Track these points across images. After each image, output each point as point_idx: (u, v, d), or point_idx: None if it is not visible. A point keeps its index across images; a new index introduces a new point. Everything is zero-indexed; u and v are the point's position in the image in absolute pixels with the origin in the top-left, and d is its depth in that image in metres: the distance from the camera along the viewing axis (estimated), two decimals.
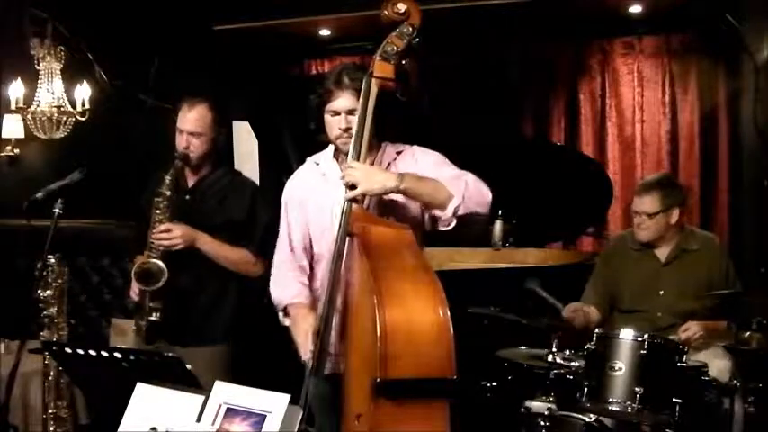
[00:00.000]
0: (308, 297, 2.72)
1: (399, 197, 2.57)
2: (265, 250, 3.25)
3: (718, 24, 5.15)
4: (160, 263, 3.21)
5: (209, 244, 3.30)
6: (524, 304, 3.67)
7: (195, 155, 3.32)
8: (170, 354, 2.33)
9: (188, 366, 2.19)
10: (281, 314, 2.80)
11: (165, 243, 3.22)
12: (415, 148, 2.72)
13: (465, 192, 2.49)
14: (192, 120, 3.30)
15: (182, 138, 3.31)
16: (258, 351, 3.85)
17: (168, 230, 3.23)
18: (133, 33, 5.46)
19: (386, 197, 2.56)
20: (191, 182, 3.41)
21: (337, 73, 2.63)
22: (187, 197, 3.38)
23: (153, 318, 3.25)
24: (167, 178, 3.25)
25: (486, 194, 2.55)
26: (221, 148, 3.45)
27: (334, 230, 2.52)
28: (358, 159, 2.50)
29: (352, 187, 2.45)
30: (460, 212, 2.48)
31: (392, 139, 2.72)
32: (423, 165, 2.65)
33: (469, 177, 2.55)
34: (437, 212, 2.51)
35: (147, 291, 3.23)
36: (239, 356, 3.40)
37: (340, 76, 2.60)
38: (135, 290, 3.29)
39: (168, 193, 3.25)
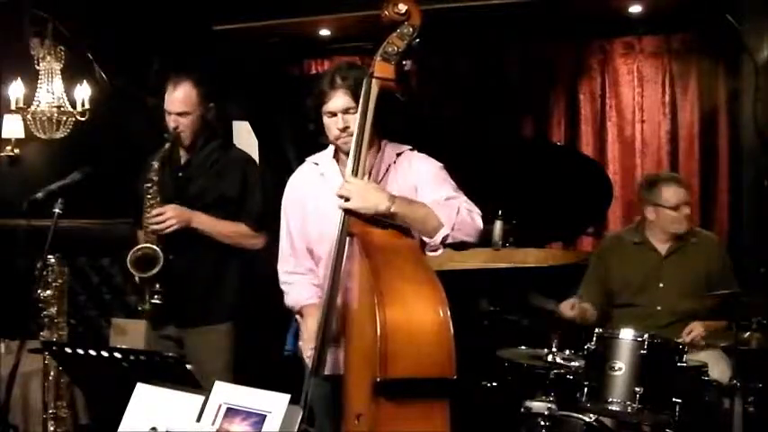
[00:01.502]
0: (319, 296, 2.72)
1: (405, 192, 2.58)
2: (263, 222, 3.28)
3: (718, 24, 5.14)
4: (155, 247, 3.23)
5: (204, 222, 3.31)
6: (524, 304, 3.68)
7: (186, 134, 3.34)
8: (170, 354, 2.34)
9: (188, 366, 2.19)
10: (298, 317, 2.80)
11: (160, 226, 3.24)
12: (414, 153, 2.71)
13: (455, 221, 2.48)
14: (177, 100, 3.30)
15: (170, 119, 3.32)
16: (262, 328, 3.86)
17: (161, 213, 3.25)
18: (133, 33, 5.46)
19: (392, 191, 2.57)
20: (183, 158, 3.42)
21: (330, 74, 2.64)
22: (180, 174, 3.39)
23: (155, 301, 3.27)
24: (155, 164, 3.27)
25: (477, 223, 2.54)
26: (212, 122, 3.43)
27: (333, 231, 2.52)
28: (358, 160, 2.49)
29: (346, 200, 2.45)
30: (448, 241, 2.50)
31: (392, 139, 2.72)
32: (418, 172, 2.64)
33: (462, 203, 2.54)
34: (425, 238, 2.52)
35: (144, 277, 3.24)
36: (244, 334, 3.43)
37: (332, 77, 2.61)
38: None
39: (156, 178, 3.28)
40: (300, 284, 2.78)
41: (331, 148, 2.74)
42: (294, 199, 2.80)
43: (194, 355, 3.33)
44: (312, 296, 2.74)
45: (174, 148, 3.36)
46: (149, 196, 3.28)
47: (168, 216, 3.24)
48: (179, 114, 3.31)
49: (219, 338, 3.36)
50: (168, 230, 3.25)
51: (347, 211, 2.45)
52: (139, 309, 3.37)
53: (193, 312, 3.36)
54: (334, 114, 2.61)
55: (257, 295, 3.44)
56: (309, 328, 2.62)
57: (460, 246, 2.56)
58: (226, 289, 3.40)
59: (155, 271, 3.22)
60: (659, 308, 3.65)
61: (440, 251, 2.54)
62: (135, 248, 3.28)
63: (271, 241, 3.10)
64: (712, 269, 3.70)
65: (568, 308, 3.62)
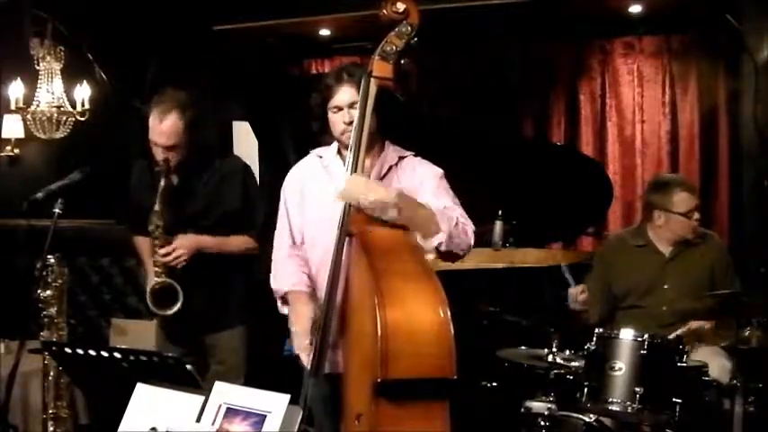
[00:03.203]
0: (308, 286, 2.73)
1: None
2: (266, 231, 3.24)
3: (719, 24, 5.14)
4: (172, 282, 3.24)
5: (211, 245, 3.32)
6: (525, 303, 3.67)
7: (175, 162, 3.27)
8: (170, 354, 2.33)
9: (188, 367, 2.19)
10: (279, 302, 2.80)
11: (173, 264, 3.25)
12: (418, 158, 2.72)
13: (452, 231, 2.50)
14: (164, 133, 3.21)
15: (157, 150, 3.25)
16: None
17: (170, 252, 3.24)
18: (133, 33, 5.46)
19: None
20: (175, 180, 3.36)
21: (336, 70, 2.68)
22: (176, 196, 3.34)
23: (172, 311, 3.28)
24: (156, 208, 3.22)
25: (469, 239, 2.57)
26: (201, 144, 3.37)
27: (331, 223, 2.52)
28: (357, 157, 2.49)
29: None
30: (442, 249, 2.51)
31: (394, 142, 2.73)
32: (421, 176, 2.67)
33: (459, 215, 2.57)
34: (420, 240, 2.52)
35: (166, 315, 3.25)
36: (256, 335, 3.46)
37: (339, 73, 2.64)
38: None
39: (161, 222, 3.24)
40: (289, 269, 2.77)
41: (335, 145, 2.75)
42: (294, 188, 2.81)
43: (212, 353, 3.40)
44: (299, 283, 2.73)
45: (168, 178, 3.28)
46: (155, 237, 3.26)
47: (178, 253, 3.24)
48: (167, 148, 3.23)
49: (234, 340, 3.40)
50: (181, 264, 3.25)
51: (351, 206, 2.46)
52: (155, 320, 3.40)
53: (208, 322, 3.39)
54: (340, 109, 2.62)
55: (256, 297, 3.44)
56: (300, 317, 2.62)
57: (448, 256, 2.56)
58: (236, 295, 3.42)
59: (176, 308, 3.24)
60: (664, 308, 3.65)
61: (432, 255, 2.54)
62: (151, 285, 3.27)
63: (270, 246, 3.11)
64: (715, 269, 3.71)
65: (579, 291, 3.61)
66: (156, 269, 3.27)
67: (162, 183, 3.23)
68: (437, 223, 2.49)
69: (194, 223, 3.33)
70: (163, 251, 3.24)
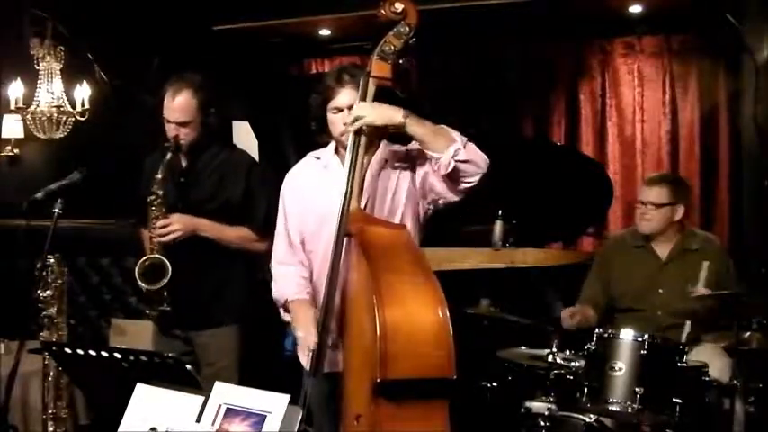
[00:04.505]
0: (309, 293, 2.73)
1: (403, 186, 2.63)
2: (268, 226, 3.24)
3: (719, 24, 5.14)
4: (162, 258, 3.22)
5: (209, 229, 3.31)
6: (525, 304, 3.67)
7: (186, 141, 3.29)
8: (170, 354, 2.33)
9: (188, 367, 2.19)
10: (281, 310, 2.80)
11: (166, 238, 3.23)
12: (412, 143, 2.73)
13: (466, 142, 2.52)
14: (177, 109, 3.25)
15: (170, 127, 3.28)
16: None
17: (166, 225, 3.24)
18: (133, 33, 5.46)
19: (391, 189, 2.63)
20: (184, 163, 3.37)
21: (337, 71, 2.68)
22: (182, 179, 3.36)
23: (163, 308, 3.27)
24: (158, 176, 3.24)
25: (484, 156, 2.56)
26: (213, 126, 3.38)
27: (331, 223, 2.52)
28: (355, 160, 2.50)
29: (357, 120, 2.48)
30: (459, 157, 2.47)
31: (394, 140, 2.73)
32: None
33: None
34: (436, 155, 2.50)
35: (152, 289, 3.24)
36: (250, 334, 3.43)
37: (340, 74, 2.64)
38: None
39: (160, 191, 3.25)
40: (289, 277, 2.77)
41: (332, 145, 2.75)
42: (293, 189, 2.81)
43: (203, 354, 3.36)
44: (300, 291, 2.73)
45: (176, 156, 3.32)
46: (153, 208, 3.26)
47: (174, 228, 3.24)
48: (179, 124, 3.25)
49: (227, 339, 3.37)
50: (175, 241, 3.25)
51: (359, 132, 2.48)
52: (147, 313, 3.38)
53: (201, 316, 3.36)
54: (340, 110, 2.63)
55: (257, 296, 3.44)
56: (303, 323, 2.60)
57: (468, 171, 2.52)
58: (232, 291, 3.39)
59: (163, 282, 3.22)
60: (659, 312, 3.64)
61: (450, 168, 2.49)
62: (142, 259, 3.27)
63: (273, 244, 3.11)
64: (714, 274, 3.67)
65: (568, 316, 3.62)
66: (151, 246, 3.27)
67: (168, 156, 3.25)
68: (449, 134, 2.51)
69: (198, 207, 3.32)
70: (160, 223, 3.24)
